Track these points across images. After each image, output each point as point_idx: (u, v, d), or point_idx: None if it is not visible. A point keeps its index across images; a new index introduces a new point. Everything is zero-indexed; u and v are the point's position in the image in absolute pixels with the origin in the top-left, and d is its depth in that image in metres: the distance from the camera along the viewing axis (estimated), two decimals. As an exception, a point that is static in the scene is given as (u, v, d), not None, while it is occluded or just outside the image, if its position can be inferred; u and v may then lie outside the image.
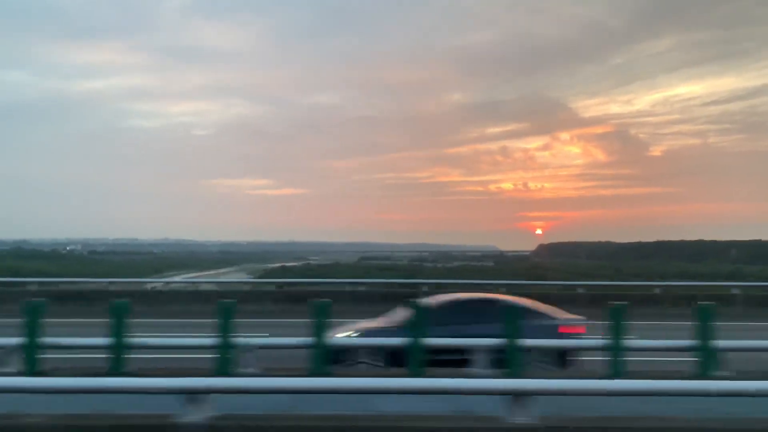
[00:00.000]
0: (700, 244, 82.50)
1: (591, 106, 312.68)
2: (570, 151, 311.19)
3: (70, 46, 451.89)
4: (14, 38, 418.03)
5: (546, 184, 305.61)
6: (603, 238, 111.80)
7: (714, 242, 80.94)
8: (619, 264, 76.92)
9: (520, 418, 6.15)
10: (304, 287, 26.28)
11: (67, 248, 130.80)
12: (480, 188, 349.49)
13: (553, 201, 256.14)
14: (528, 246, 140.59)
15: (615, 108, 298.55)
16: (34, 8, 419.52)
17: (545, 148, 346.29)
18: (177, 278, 40.33)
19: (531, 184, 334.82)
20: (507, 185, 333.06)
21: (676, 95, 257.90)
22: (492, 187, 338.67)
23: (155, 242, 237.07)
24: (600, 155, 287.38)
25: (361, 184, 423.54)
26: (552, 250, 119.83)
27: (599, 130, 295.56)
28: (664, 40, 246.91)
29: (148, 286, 25.01)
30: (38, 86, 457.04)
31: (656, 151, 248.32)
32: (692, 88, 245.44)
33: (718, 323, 8.32)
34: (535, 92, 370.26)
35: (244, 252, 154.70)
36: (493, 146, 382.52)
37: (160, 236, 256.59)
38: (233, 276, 55.58)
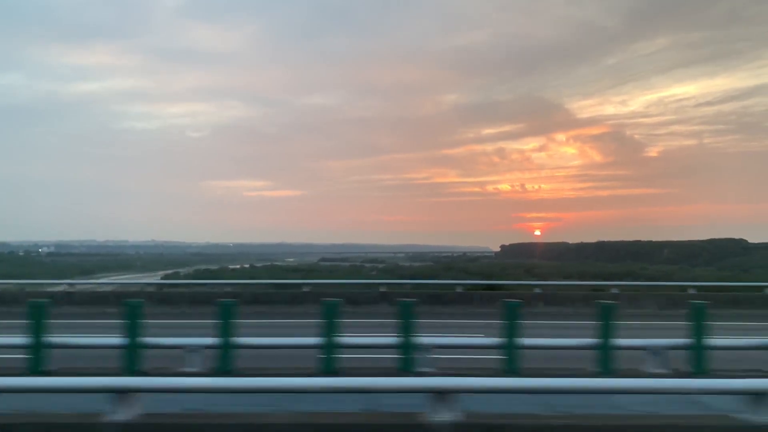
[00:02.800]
0: (637, 244, 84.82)
1: (586, 107, 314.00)
2: (566, 152, 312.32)
3: (65, 49, 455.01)
4: (8, 41, 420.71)
5: (543, 185, 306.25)
6: (597, 238, 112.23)
7: (650, 242, 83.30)
8: (557, 264, 79.35)
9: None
10: (188, 288, 27.45)
11: (39, 250, 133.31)
12: (477, 189, 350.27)
13: (551, 202, 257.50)
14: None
15: (610, 109, 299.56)
16: (29, 11, 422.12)
17: (541, 149, 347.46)
18: (102, 280, 42.66)
19: (528, 185, 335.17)
20: (504, 186, 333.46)
21: (670, 96, 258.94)
22: (489, 188, 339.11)
23: (142, 244, 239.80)
24: (596, 156, 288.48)
25: (357, 185, 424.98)
26: (511, 251, 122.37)
27: (594, 131, 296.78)
28: (657, 40, 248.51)
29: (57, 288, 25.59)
30: (33, 88, 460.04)
31: (652, 151, 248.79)
32: (686, 88, 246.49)
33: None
34: (530, 93, 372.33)
35: (217, 254, 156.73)
36: (490, 147, 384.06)
37: (149, 238, 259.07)
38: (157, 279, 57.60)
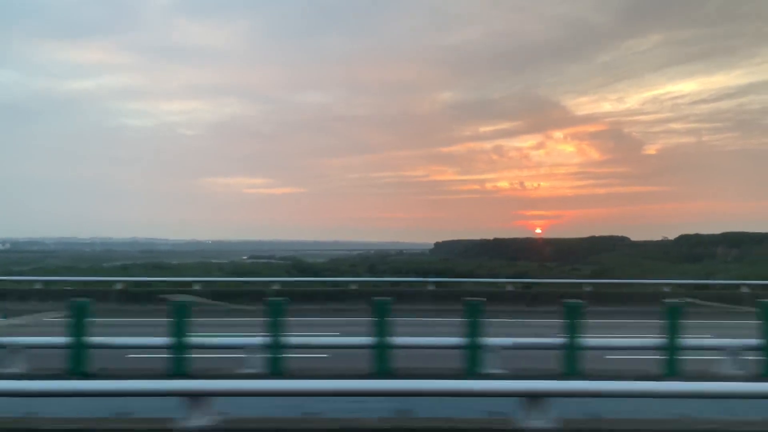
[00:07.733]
0: (525, 241, 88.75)
1: (582, 104, 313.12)
2: (564, 150, 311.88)
3: (59, 46, 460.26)
4: (2, 37, 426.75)
5: (542, 183, 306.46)
6: (588, 234, 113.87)
7: (537, 240, 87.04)
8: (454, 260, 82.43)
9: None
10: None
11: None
12: (476, 186, 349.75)
13: (550, 199, 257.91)
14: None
15: (606, 106, 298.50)
16: (22, 7, 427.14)
17: (539, 146, 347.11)
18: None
19: (527, 183, 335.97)
20: (503, 184, 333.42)
21: (666, 93, 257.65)
22: (488, 185, 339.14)
23: (124, 241, 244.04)
24: (594, 154, 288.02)
25: (355, 182, 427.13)
26: (444, 248, 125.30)
27: (592, 128, 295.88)
28: (651, 37, 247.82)
29: None
30: (26, 85, 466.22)
31: (650, 149, 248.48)
32: (681, 86, 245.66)
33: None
34: (525, 91, 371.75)
35: (171, 251, 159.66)
36: (487, 145, 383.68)
37: (132, 235, 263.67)
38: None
